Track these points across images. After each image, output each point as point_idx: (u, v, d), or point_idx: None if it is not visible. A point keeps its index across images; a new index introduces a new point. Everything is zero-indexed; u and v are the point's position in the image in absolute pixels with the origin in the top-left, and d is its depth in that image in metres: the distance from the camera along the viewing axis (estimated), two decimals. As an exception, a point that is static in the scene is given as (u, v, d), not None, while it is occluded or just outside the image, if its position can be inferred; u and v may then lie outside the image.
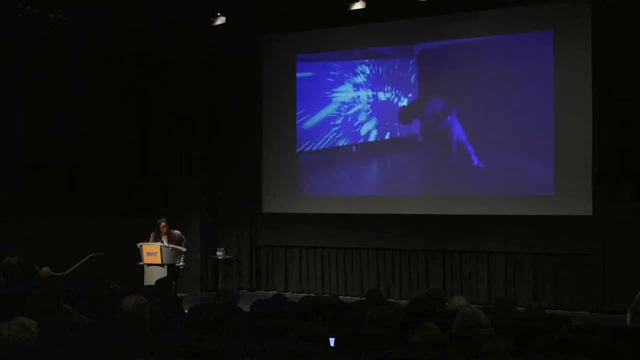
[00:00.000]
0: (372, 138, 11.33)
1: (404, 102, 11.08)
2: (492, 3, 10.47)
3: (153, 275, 9.17)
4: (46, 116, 10.51)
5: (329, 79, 11.70)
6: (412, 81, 11.04)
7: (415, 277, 10.97)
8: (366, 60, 11.40)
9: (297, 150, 11.91)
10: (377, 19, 11.08)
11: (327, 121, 11.70)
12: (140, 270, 9.89)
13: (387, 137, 11.22)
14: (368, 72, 11.38)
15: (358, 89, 11.46)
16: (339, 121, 11.61)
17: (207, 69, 12.27)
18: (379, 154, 11.27)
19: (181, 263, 10.02)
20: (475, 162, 10.61)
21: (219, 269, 11.96)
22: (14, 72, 10.05)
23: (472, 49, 10.66)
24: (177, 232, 10.15)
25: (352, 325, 4.65)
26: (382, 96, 11.25)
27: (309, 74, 11.87)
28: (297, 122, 11.91)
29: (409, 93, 11.05)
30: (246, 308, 5.94)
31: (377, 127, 11.28)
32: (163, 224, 10.02)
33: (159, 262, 9.61)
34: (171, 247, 9.76)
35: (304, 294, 10.52)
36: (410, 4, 10.55)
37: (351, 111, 11.49)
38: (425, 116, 10.94)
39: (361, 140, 11.41)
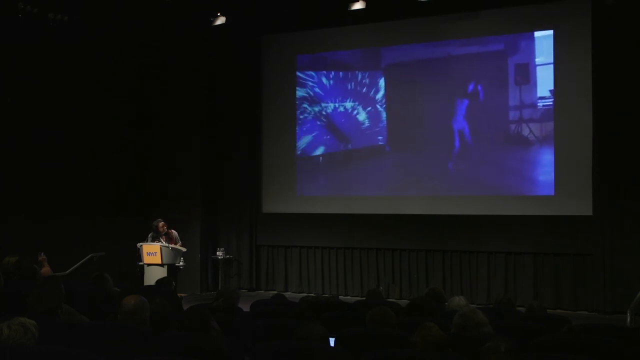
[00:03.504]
0: (372, 137, 11.32)
1: (405, 101, 11.06)
2: (492, 3, 10.47)
3: (153, 275, 9.17)
4: (45, 116, 10.49)
5: (329, 79, 11.69)
6: (413, 80, 11.03)
7: (415, 277, 10.97)
8: (366, 59, 11.40)
9: (297, 151, 11.90)
10: (378, 19, 11.07)
11: (327, 121, 11.69)
12: (140, 270, 9.90)
13: (387, 136, 11.21)
14: (367, 71, 11.37)
15: (358, 88, 11.45)
16: (339, 120, 11.60)
17: (206, 69, 12.27)
18: (379, 154, 11.27)
19: (181, 263, 10.01)
20: (476, 162, 10.60)
21: (219, 269, 11.96)
22: (14, 72, 10.05)
23: (472, 48, 10.65)
24: (174, 232, 10.15)
25: (352, 325, 4.65)
26: (381, 94, 11.24)
27: (309, 73, 11.86)
28: (297, 122, 11.91)
29: (410, 91, 11.03)
30: (246, 308, 5.94)
31: (376, 126, 11.27)
32: (162, 223, 10.02)
33: (159, 262, 9.62)
34: (171, 247, 9.77)
35: (304, 294, 10.50)
36: (410, 4, 10.54)
37: (352, 110, 11.49)
38: (427, 115, 10.92)
39: (361, 140, 11.41)
